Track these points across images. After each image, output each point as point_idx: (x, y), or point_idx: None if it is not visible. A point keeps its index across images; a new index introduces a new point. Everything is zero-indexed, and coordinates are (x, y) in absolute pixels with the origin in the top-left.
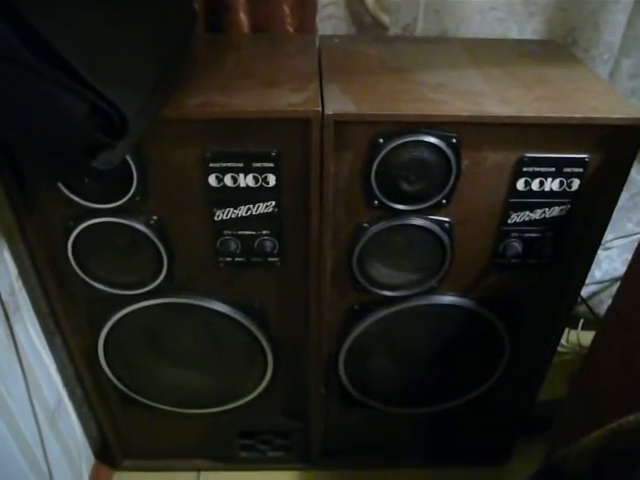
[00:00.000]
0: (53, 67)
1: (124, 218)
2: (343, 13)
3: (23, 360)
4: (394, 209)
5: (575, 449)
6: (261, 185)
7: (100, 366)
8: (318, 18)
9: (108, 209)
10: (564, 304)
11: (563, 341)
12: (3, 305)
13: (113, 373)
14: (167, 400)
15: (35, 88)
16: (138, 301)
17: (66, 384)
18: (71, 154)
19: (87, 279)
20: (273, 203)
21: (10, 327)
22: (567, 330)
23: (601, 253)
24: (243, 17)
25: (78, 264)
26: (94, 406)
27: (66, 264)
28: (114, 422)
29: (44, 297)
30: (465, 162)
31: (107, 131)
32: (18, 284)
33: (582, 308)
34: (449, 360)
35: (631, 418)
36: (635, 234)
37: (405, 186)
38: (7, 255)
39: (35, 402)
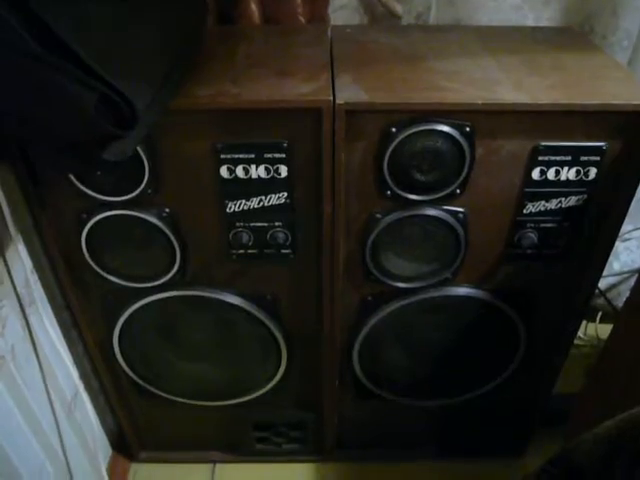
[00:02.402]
0: (60, 57)
1: (137, 211)
2: (355, 3)
3: (39, 352)
4: (407, 199)
5: (586, 439)
6: (273, 176)
7: (116, 358)
8: (330, 9)
9: (121, 202)
10: (581, 296)
11: (581, 334)
12: (19, 298)
13: (128, 365)
14: (182, 392)
15: (42, 78)
16: (152, 294)
17: (82, 376)
18: (81, 145)
19: (101, 272)
20: (285, 194)
21: (26, 319)
22: (585, 323)
23: (619, 244)
24: (254, 8)
25: (92, 257)
26: (110, 398)
27: (80, 257)
28: (131, 414)
29: (59, 290)
30: (479, 151)
31: (117, 122)
32: (33, 277)
33: (600, 300)
34: (464, 352)
35: None
36: None
37: (418, 176)
38: (22, 248)
39: (52, 393)
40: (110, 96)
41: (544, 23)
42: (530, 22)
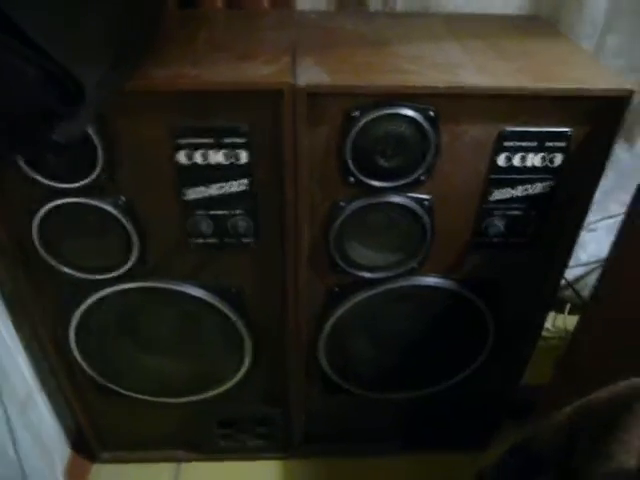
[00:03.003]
0: (2, 31)
1: (91, 198)
2: None
3: None
4: (371, 186)
5: (544, 426)
6: (232, 162)
7: (72, 354)
8: None
9: (74, 189)
10: (548, 285)
11: (549, 325)
12: None
13: (86, 362)
14: (144, 389)
15: None
16: (109, 286)
17: (38, 373)
18: (27, 124)
19: (55, 263)
20: (246, 181)
21: None
22: (554, 314)
23: (586, 235)
24: None
25: (44, 248)
26: (68, 396)
27: (32, 248)
28: (90, 413)
29: (11, 282)
30: (444, 136)
31: (64, 100)
32: None
33: (568, 292)
34: (432, 343)
35: (601, 394)
36: (620, 215)
37: (382, 162)
38: None
39: (3, 392)
40: (52, 70)
41: (513, 12)
42: (499, 11)
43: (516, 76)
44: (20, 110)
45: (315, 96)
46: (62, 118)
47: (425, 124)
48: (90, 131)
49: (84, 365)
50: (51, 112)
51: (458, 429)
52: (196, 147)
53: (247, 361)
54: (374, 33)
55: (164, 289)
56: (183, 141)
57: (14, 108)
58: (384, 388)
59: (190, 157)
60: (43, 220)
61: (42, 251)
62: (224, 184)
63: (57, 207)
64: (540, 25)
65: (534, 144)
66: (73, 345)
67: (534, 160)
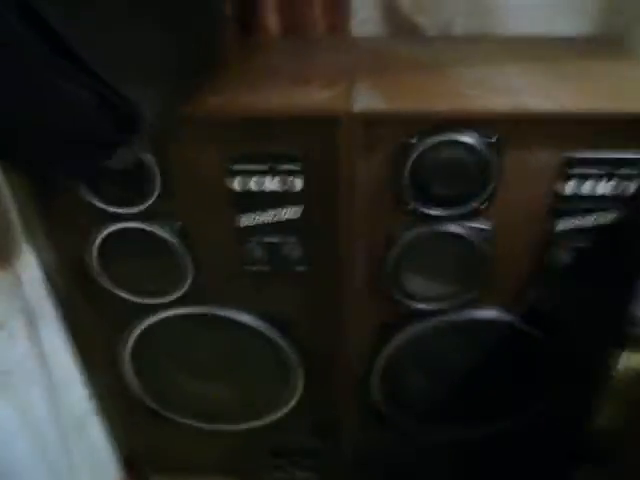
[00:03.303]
0: (58, 55)
1: (147, 224)
2: (378, 16)
3: (49, 368)
4: (429, 215)
5: None
6: (287, 189)
7: (126, 377)
8: (353, 22)
9: (131, 214)
10: (619, 321)
11: (624, 365)
12: (29, 312)
13: (140, 384)
14: (195, 414)
15: (41, 79)
16: (164, 310)
17: (94, 395)
18: (85, 151)
19: (111, 286)
20: (300, 208)
21: (36, 335)
22: (629, 353)
23: None
24: (273, 20)
25: (102, 271)
26: (122, 419)
27: (90, 271)
28: (142, 435)
29: (71, 305)
30: (506, 163)
31: (119, 127)
32: (44, 291)
33: None
34: (491, 380)
35: None
36: None
37: (441, 189)
38: (33, 261)
39: (61, 413)
40: (112, 99)
41: (576, 33)
42: (561, 33)
43: (584, 99)
44: (75, 136)
45: (372, 122)
46: (118, 144)
47: (486, 151)
48: (147, 157)
49: (138, 388)
50: (107, 138)
51: (521, 475)
52: (251, 173)
53: (298, 391)
54: (431, 57)
55: (216, 315)
56: (238, 167)
57: (70, 134)
58: (438, 425)
59: (245, 183)
60: (102, 244)
61: (100, 274)
62: (278, 211)
63: (115, 232)
64: (605, 45)
65: (604, 171)
66: (128, 367)
67: (604, 188)
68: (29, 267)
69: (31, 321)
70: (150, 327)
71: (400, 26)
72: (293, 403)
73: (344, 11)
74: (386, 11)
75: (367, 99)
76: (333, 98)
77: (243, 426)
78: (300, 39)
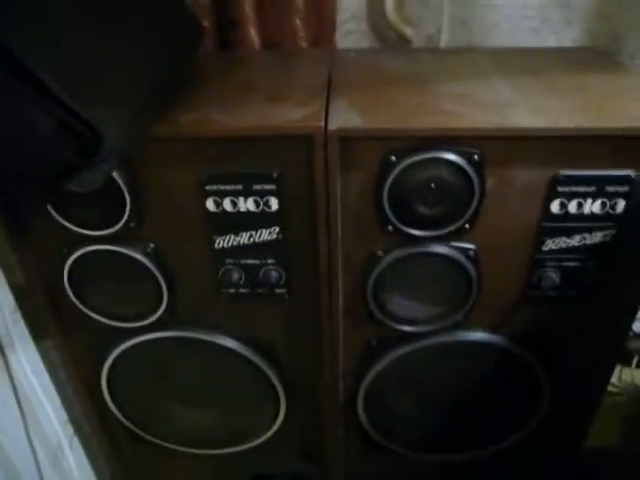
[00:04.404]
0: (15, 78)
1: (120, 246)
2: (365, 28)
3: (21, 396)
4: (411, 235)
5: None
6: (263, 209)
7: (105, 401)
8: (338, 34)
9: (102, 236)
10: (611, 341)
11: (615, 380)
12: None
13: (118, 409)
14: (175, 439)
15: None
16: (140, 334)
17: (72, 420)
18: (44, 175)
19: (85, 310)
20: (277, 229)
21: (6, 362)
22: (620, 368)
23: None
24: (253, 32)
25: (75, 294)
26: (101, 443)
27: (64, 294)
28: (123, 461)
29: (42, 328)
30: (490, 181)
31: (80, 150)
32: (14, 317)
33: (636, 343)
34: (479, 402)
35: None
36: None
37: (422, 209)
38: (2, 286)
39: (35, 441)
40: (71, 122)
41: (566, 45)
42: (551, 45)
43: (572, 115)
44: (33, 162)
45: (348, 140)
46: (79, 168)
47: (469, 169)
48: (117, 177)
49: (116, 412)
50: (68, 164)
51: None
52: (225, 194)
53: (281, 415)
54: (415, 71)
55: (194, 339)
56: (211, 187)
57: (27, 160)
58: (427, 449)
59: (219, 204)
60: (73, 266)
61: (72, 297)
62: (255, 232)
63: (87, 254)
64: (596, 57)
65: (592, 189)
66: (105, 392)
67: (592, 207)
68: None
69: (1, 348)
70: (126, 351)
71: (387, 38)
72: (276, 427)
73: (328, 23)
74: (373, 22)
75: (344, 116)
76: (308, 116)
77: (226, 450)
78: (281, 53)
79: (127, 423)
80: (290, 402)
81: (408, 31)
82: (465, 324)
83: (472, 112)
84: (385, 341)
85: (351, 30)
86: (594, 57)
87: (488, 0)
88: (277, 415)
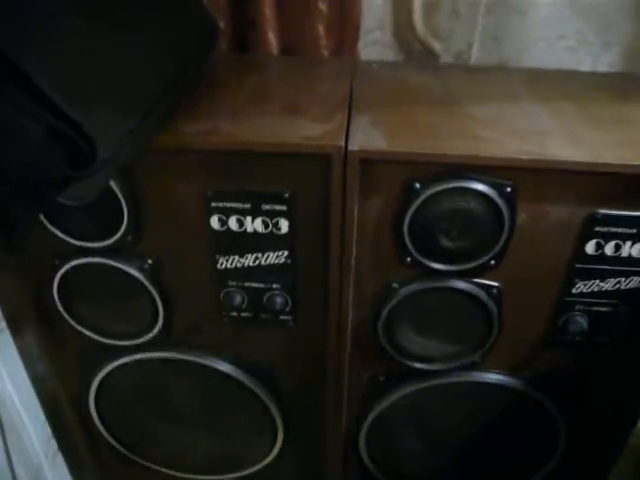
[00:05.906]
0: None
1: (115, 260)
2: (390, 39)
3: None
4: (431, 269)
5: None
6: (272, 231)
7: (92, 419)
8: (361, 44)
9: (97, 248)
10: (637, 386)
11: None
12: None
13: (106, 428)
14: (165, 462)
15: None
16: (133, 353)
17: (56, 436)
18: (31, 186)
19: (75, 324)
20: (285, 253)
21: None
22: None
23: None
24: (271, 36)
25: (65, 307)
26: (87, 463)
27: (53, 306)
28: None
29: (30, 341)
30: (521, 216)
31: (73, 159)
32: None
33: None
34: (491, 447)
35: None
36: None
37: (445, 242)
38: None
39: (14, 459)
40: (64, 130)
41: (603, 69)
42: (586, 67)
43: (615, 150)
44: (23, 172)
45: (369, 163)
46: (71, 179)
47: (499, 201)
48: (114, 188)
49: (103, 431)
50: (57, 174)
51: None
52: (231, 212)
53: (277, 445)
54: (442, 88)
55: (190, 362)
56: (217, 204)
57: (15, 170)
58: None
59: (224, 222)
60: (64, 278)
61: (62, 311)
62: (261, 255)
63: (79, 266)
64: (638, 85)
65: (633, 231)
66: (92, 410)
67: (631, 250)
68: None
69: None
70: (116, 369)
71: (412, 50)
72: (272, 457)
73: (352, 31)
74: (398, 33)
75: (366, 136)
76: (327, 133)
77: (217, 477)
78: (300, 60)
79: (114, 443)
80: (288, 433)
81: (436, 45)
82: (482, 365)
83: (505, 139)
84: (394, 377)
85: (374, 40)
86: (635, 84)
87: (524, 17)
88: (274, 445)
